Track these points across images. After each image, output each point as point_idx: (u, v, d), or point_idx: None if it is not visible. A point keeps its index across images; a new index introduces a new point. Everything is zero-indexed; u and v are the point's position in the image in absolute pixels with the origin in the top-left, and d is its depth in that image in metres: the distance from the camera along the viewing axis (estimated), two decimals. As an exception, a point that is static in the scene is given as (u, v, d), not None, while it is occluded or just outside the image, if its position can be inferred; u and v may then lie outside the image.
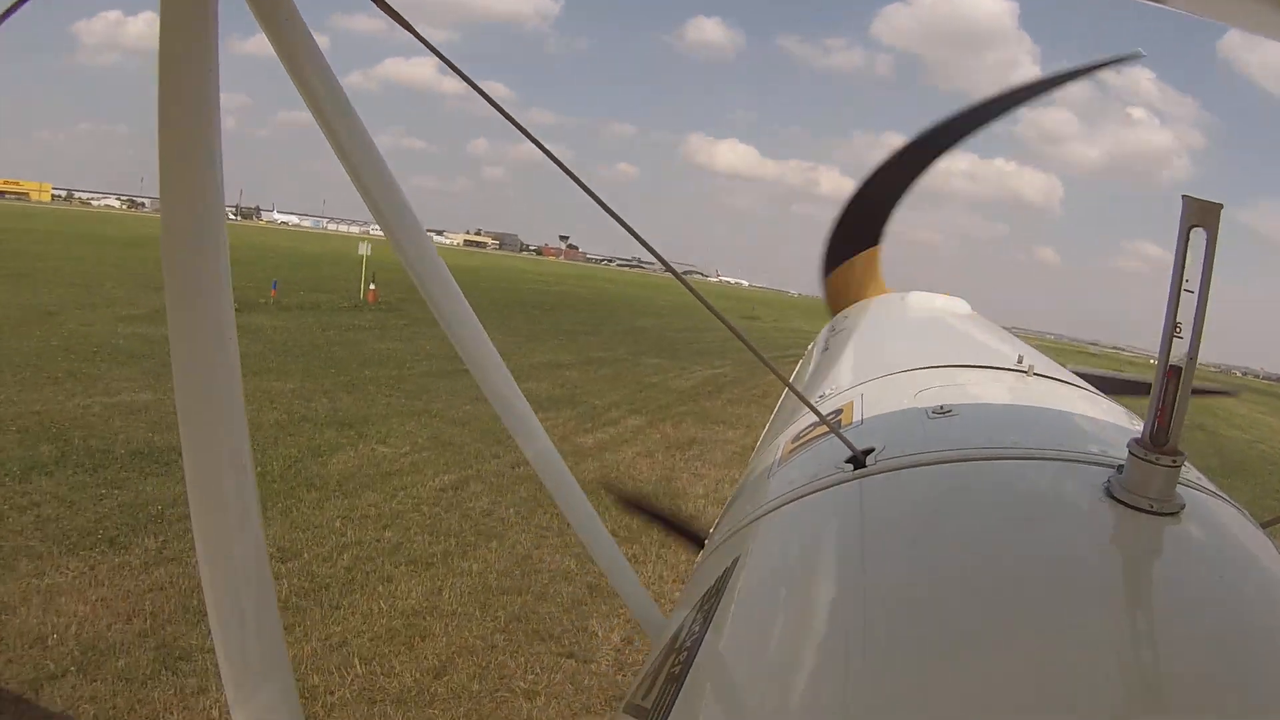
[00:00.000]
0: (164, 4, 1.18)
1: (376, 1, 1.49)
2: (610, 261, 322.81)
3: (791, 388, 2.29)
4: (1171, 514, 1.34)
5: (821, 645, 1.25)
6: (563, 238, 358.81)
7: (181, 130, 1.21)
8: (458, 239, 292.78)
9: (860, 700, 1.09)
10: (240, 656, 1.34)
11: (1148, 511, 1.34)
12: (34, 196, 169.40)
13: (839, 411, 2.42)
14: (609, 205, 1.87)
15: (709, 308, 2.06)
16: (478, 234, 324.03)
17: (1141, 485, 1.35)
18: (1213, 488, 1.68)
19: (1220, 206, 1.25)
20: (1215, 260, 1.24)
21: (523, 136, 1.81)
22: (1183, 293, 1.26)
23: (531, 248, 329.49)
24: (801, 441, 2.28)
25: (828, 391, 2.97)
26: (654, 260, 2.08)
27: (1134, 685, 1.04)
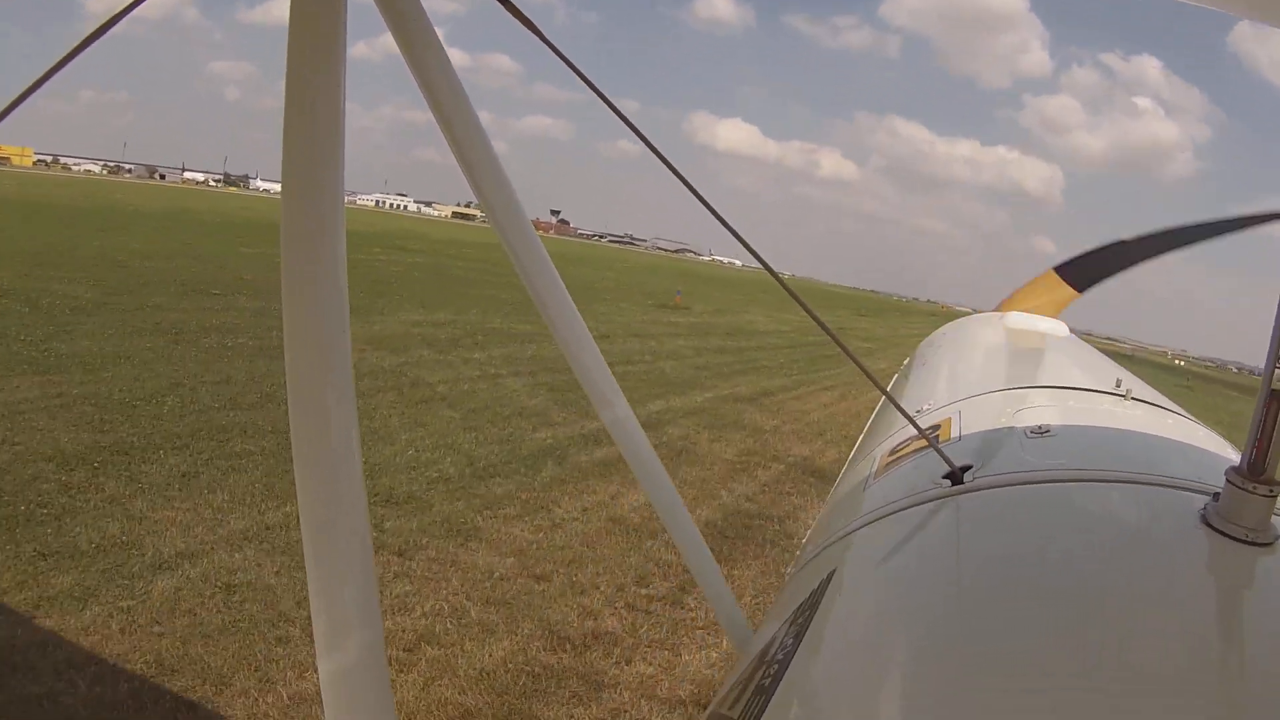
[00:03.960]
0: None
1: (509, 8, 1.51)
2: (602, 238, 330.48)
3: (892, 400, 2.33)
4: (1267, 544, 1.31)
5: (916, 664, 1.25)
6: (554, 212, 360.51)
7: (306, 122, 1.19)
8: (446, 211, 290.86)
9: None
10: (338, 647, 1.29)
11: (1243, 541, 1.32)
12: (16, 161, 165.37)
13: (937, 427, 2.45)
14: (713, 206, 1.87)
15: (799, 302, 2.09)
16: (467, 206, 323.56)
17: (1237, 514, 1.33)
18: None
19: None
20: None
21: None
22: None
23: None
24: (898, 455, 2.31)
25: (925, 406, 2.95)
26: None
27: (1224, 716, 1.03)
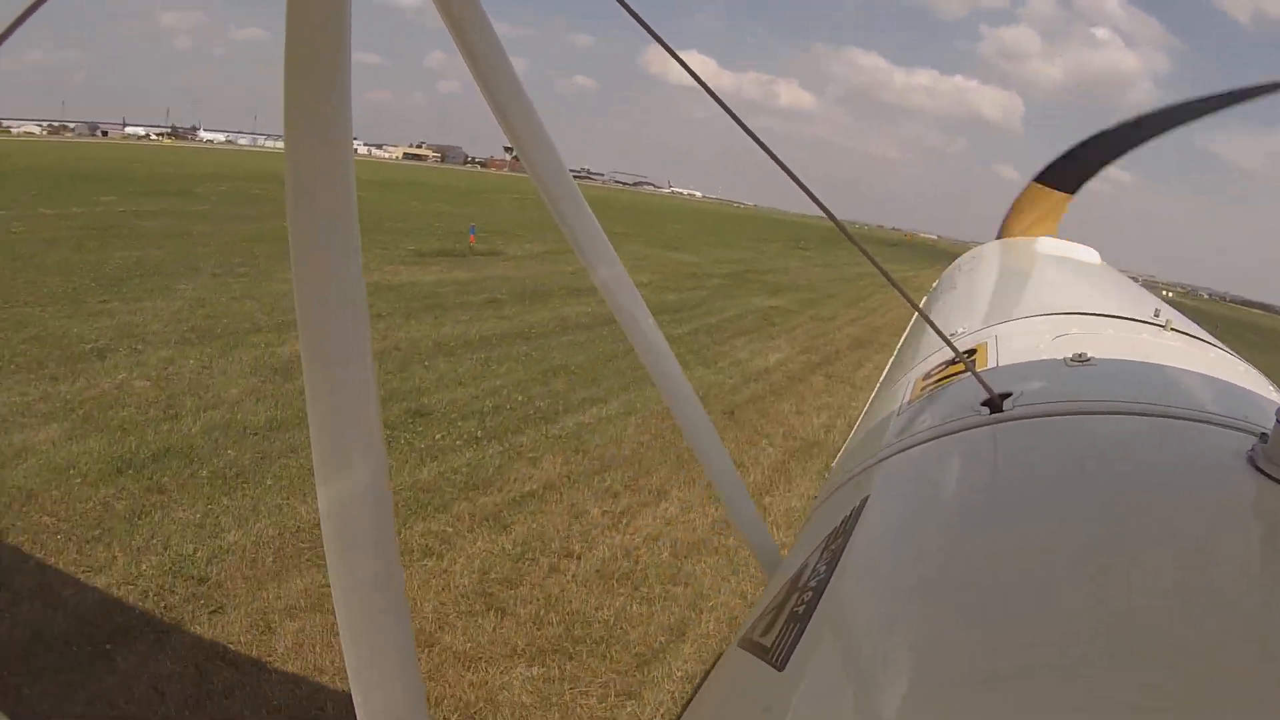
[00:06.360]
0: None
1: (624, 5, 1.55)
2: None
3: (931, 323, 2.21)
4: None
5: (954, 595, 1.19)
6: (507, 149, 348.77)
7: (310, 70, 1.09)
8: (398, 152, 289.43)
9: (991, 655, 1.03)
10: (369, 656, 1.23)
11: None
12: None
13: (972, 352, 2.40)
14: (772, 151, 1.81)
15: (850, 238, 2.00)
16: (419, 147, 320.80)
17: None
18: None
19: None
20: None
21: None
22: None
23: (476, 160, 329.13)
24: (933, 380, 2.27)
25: (960, 330, 2.89)
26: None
27: (1265, 668, 0.94)
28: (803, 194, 1.83)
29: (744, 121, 1.76)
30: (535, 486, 8.53)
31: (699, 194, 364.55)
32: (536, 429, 10.23)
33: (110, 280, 16.07)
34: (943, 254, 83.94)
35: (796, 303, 25.60)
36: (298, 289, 1.14)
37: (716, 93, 1.74)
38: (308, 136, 1.11)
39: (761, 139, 1.75)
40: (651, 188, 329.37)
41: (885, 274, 1.97)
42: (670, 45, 1.68)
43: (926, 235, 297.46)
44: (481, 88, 1.67)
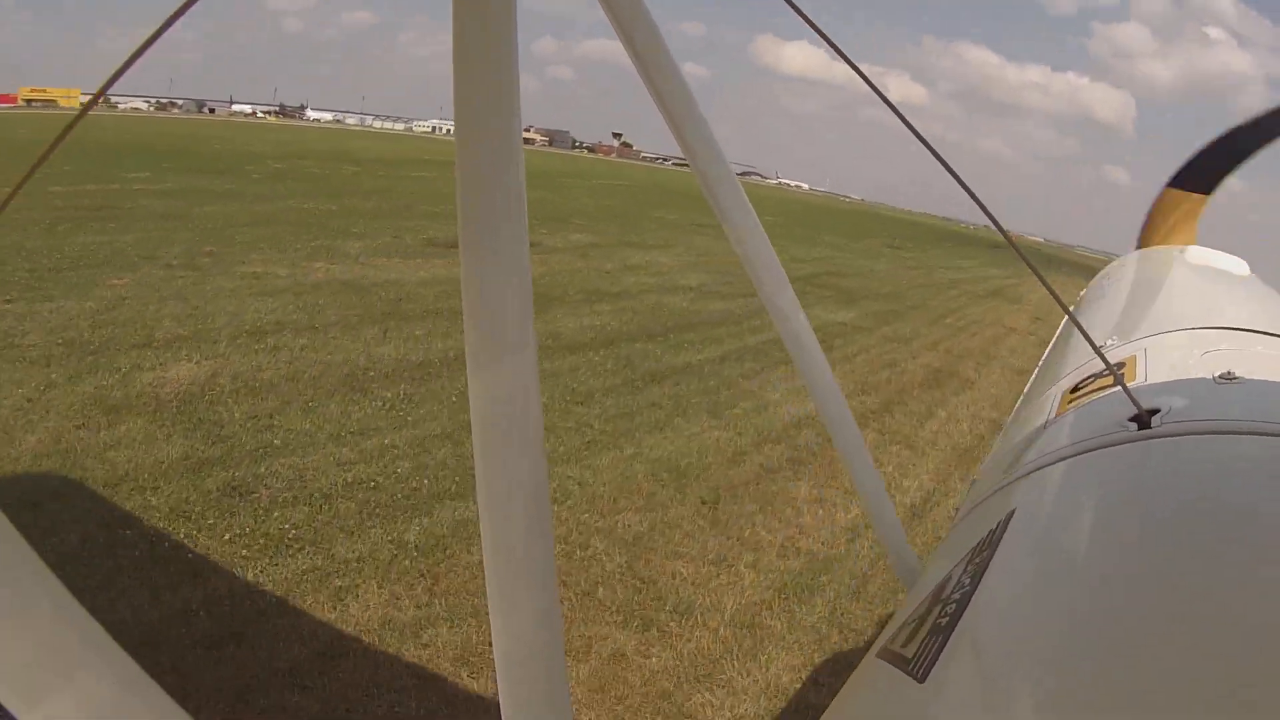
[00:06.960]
0: None
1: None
2: (666, 160, 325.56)
3: (1085, 335, 2.08)
4: None
5: (1098, 613, 1.16)
6: (616, 134, 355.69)
7: (478, 57, 1.08)
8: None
9: (1134, 677, 0.99)
10: (517, 660, 1.19)
11: None
12: (62, 103, 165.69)
13: (1121, 365, 2.37)
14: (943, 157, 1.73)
15: (1001, 231, 1.90)
16: (527, 130, 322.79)
17: None
18: None
19: None
20: None
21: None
22: None
23: (585, 145, 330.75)
24: (1081, 394, 2.26)
25: (1107, 343, 2.80)
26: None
27: None
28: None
29: (915, 126, 1.69)
30: (305, 654, 5.31)
31: (806, 186, 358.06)
32: (389, 527, 6.96)
33: (42, 271, 13.72)
34: (1048, 259, 77.27)
35: (870, 317, 21.64)
36: (465, 282, 1.12)
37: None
38: (478, 125, 1.10)
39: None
40: (759, 178, 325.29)
41: (1045, 282, 1.87)
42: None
43: (1033, 238, 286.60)
44: (641, 73, 1.68)
